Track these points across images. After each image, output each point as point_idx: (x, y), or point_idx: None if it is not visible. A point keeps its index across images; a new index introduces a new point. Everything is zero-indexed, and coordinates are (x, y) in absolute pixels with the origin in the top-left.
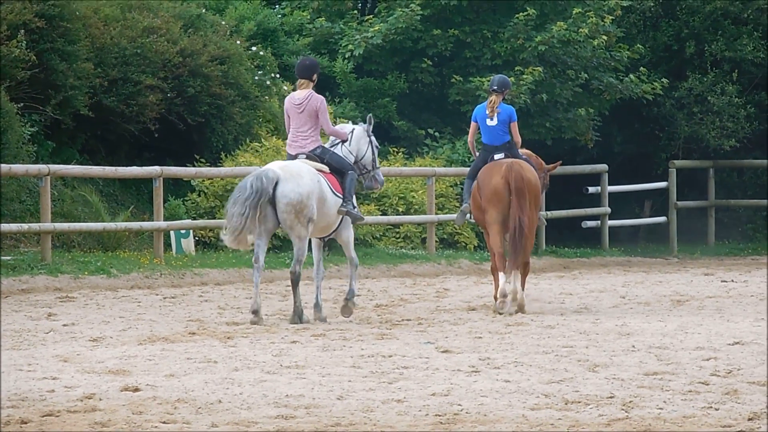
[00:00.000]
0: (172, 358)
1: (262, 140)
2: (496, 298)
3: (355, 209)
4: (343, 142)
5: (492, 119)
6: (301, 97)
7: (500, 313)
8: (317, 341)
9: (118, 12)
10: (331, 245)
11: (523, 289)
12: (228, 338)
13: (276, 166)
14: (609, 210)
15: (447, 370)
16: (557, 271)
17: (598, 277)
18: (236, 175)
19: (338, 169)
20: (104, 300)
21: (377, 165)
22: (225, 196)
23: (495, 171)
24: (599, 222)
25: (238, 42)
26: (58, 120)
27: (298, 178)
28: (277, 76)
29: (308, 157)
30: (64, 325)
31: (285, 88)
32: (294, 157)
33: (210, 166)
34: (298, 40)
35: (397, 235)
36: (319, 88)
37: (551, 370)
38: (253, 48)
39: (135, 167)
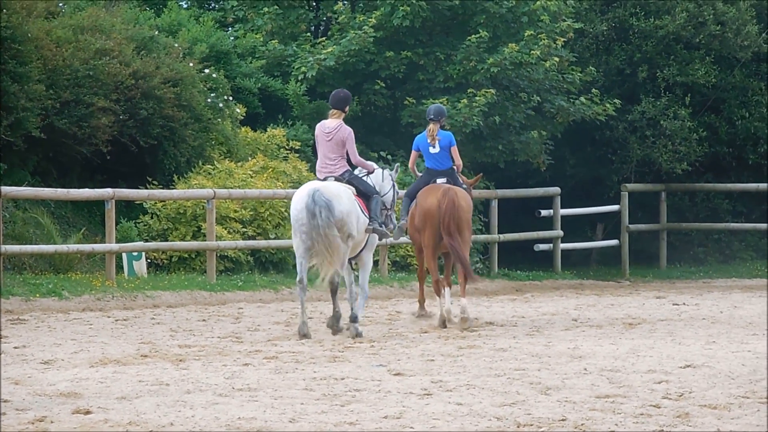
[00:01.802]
0: (123, 381)
1: (215, 162)
2: (420, 303)
3: (382, 226)
4: (369, 173)
5: (434, 147)
6: (331, 126)
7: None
8: (269, 364)
9: (71, 34)
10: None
11: (464, 296)
12: (180, 361)
13: (317, 186)
14: (561, 233)
15: (399, 393)
16: (510, 294)
17: (551, 299)
18: (188, 197)
19: (364, 193)
20: (56, 322)
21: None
22: (177, 219)
23: (432, 193)
24: (551, 245)
25: (191, 64)
26: (9, 141)
27: (338, 197)
28: (230, 98)
29: (337, 180)
30: (15, 348)
31: (238, 110)
32: (323, 180)
33: (162, 188)
34: (251, 62)
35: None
36: (269, 112)
37: (503, 393)
38: (206, 70)
39: (87, 189)
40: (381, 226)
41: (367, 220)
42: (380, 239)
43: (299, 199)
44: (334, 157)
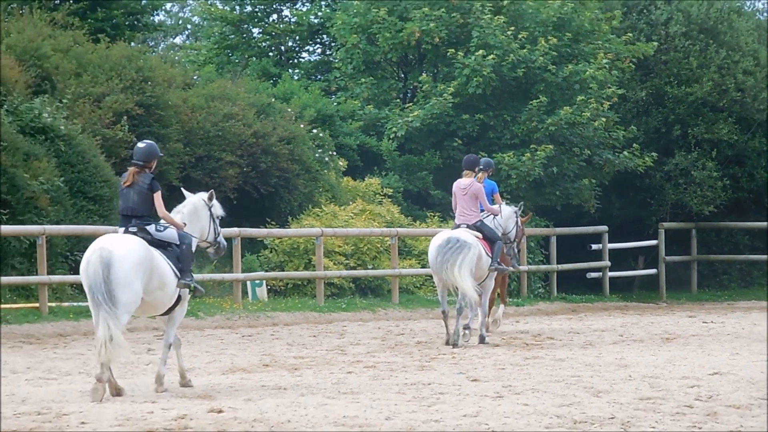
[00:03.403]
0: (249, 386)
1: (322, 206)
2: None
3: (501, 266)
4: (495, 216)
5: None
6: (465, 184)
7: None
8: (369, 372)
9: (203, 101)
10: None
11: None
12: (295, 369)
13: (452, 235)
14: (609, 263)
15: (476, 396)
16: (566, 314)
17: (600, 318)
18: (301, 235)
19: (490, 238)
20: (193, 338)
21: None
22: (292, 252)
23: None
24: (601, 273)
25: (302, 125)
26: None
27: (465, 246)
28: (334, 153)
29: (469, 227)
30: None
31: (340, 163)
32: (458, 226)
33: (279, 227)
34: (351, 123)
35: (433, 285)
36: (366, 164)
37: (562, 396)
38: (314, 130)
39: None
40: (500, 266)
41: (490, 260)
42: (499, 273)
43: (434, 245)
44: (469, 207)
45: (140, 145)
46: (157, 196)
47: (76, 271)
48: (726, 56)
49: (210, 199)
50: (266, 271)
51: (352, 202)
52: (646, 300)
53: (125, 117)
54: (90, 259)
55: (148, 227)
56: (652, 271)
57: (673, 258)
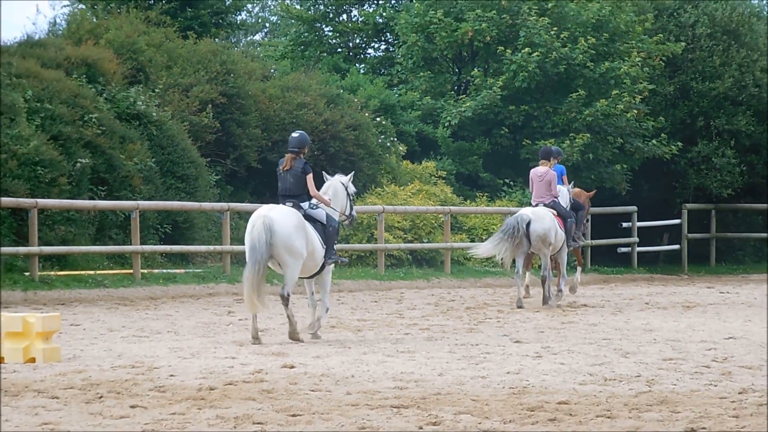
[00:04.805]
0: (317, 345)
1: (384, 186)
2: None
3: (573, 240)
4: (555, 197)
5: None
6: (542, 171)
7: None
8: (423, 333)
9: (279, 92)
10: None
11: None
12: (358, 330)
13: (528, 212)
14: (637, 240)
15: (518, 355)
16: (599, 284)
17: (629, 288)
18: (364, 212)
19: (562, 215)
20: (268, 302)
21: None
22: (356, 227)
23: None
24: (630, 248)
25: (366, 114)
26: (234, 170)
27: (542, 219)
28: (395, 139)
29: (545, 206)
30: (240, 320)
31: (400, 148)
32: (536, 206)
33: None
34: (410, 113)
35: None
36: (424, 149)
37: (594, 356)
38: (378, 119)
39: None
40: (573, 240)
41: (563, 233)
42: (569, 248)
43: (510, 220)
44: (544, 191)
45: (294, 134)
46: (309, 178)
47: (166, 242)
48: (746, 56)
49: (348, 181)
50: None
51: (410, 182)
52: (669, 272)
53: (210, 105)
54: (255, 224)
55: (302, 204)
56: (676, 246)
57: (694, 235)
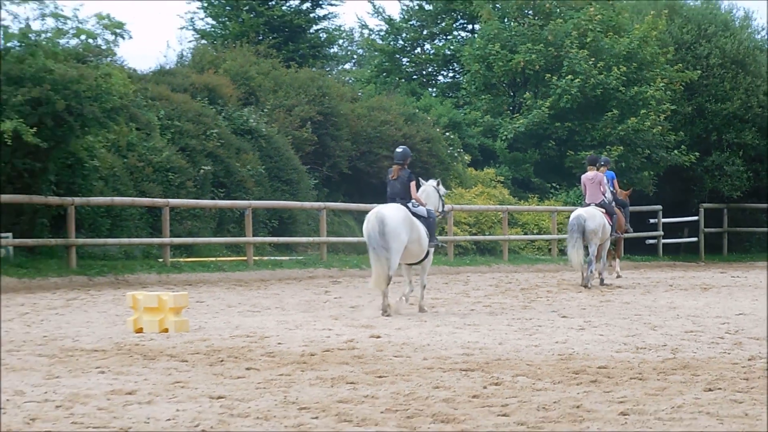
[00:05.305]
0: (398, 319)
1: (452, 189)
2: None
3: (616, 232)
4: (604, 196)
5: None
6: (591, 175)
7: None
8: (486, 310)
9: (366, 111)
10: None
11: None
12: (432, 307)
13: (583, 212)
14: (662, 233)
15: (564, 328)
16: (631, 270)
17: (656, 273)
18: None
19: (609, 212)
20: (359, 283)
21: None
22: None
23: None
24: (656, 240)
25: (437, 130)
26: (329, 176)
27: (594, 218)
28: (461, 150)
29: (596, 206)
30: (335, 298)
31: (466, 158)
32: (588, 205)
33: None
34: (473, 128)
35: (533, 247)
36: (485, 159)
37: (628, 329)
38: (447, 134)
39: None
40: (616, 232)
41: (611, 228)
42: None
43: (572, 221)
44: (595, 192)
45: (398, 150)
46: (413, 185)
47: (275, 234)
48: (751, 81)
49: (438, 185)
50: None
51: (474, 186)
52: (689, 260)
53: (309, 122)
54: (370, 219)
55: (408, 204)
56: (694, 239)
57: (710, 230)
